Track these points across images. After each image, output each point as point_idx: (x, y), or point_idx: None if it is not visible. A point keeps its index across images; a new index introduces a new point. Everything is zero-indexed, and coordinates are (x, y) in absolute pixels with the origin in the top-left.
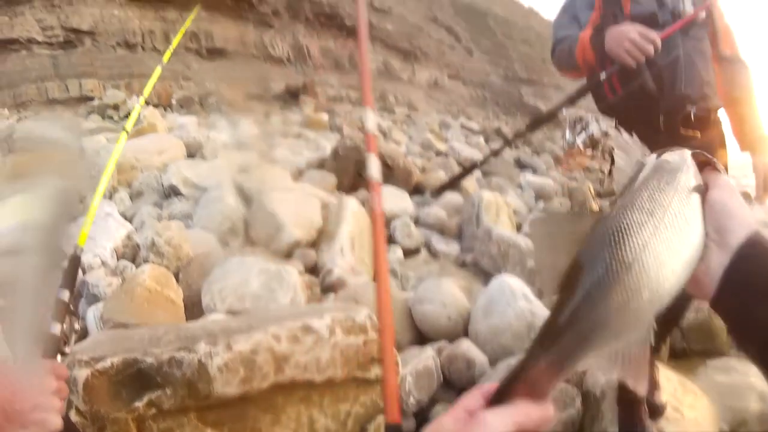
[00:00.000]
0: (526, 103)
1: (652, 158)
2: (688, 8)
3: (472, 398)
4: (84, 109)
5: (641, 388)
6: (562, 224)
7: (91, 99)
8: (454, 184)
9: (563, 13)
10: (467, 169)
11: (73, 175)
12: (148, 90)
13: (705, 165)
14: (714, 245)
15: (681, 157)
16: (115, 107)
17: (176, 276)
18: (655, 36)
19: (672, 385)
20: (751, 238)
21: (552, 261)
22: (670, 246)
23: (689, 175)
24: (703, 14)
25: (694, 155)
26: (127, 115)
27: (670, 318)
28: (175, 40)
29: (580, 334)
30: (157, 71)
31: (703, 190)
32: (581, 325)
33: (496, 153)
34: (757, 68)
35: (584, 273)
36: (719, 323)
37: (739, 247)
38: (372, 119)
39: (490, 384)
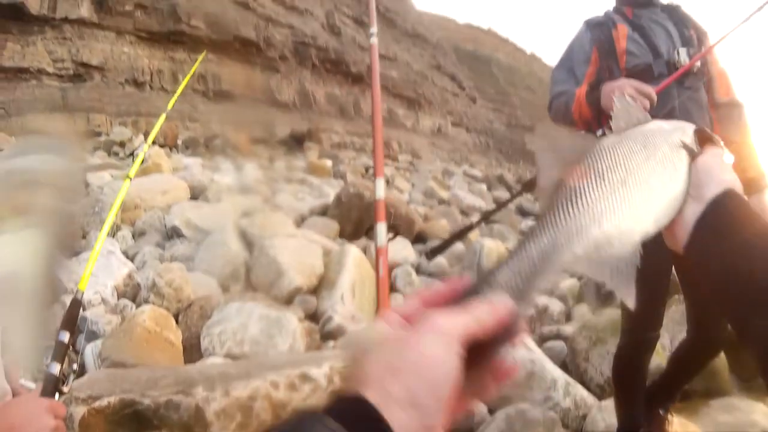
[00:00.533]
0: (529, 150)
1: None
2: (683, 58)
3: (408, 303)
4: (90, 144)
5: (630, 301)
6: (567, 140)
7: (98, 134)
8: (447, 246)
9: (560, 67)
10: (461, 232)
11: (71, 206)
12: (152, 137)
13: (706, 141)
14: (691, 200)
15: (682, 124)
16: (122, 144)
17: (176, 317)
18: (650, 90)
19: (673, 429)
20: (725, 193)
21: (552, 175)
22: (656, 178)
23: (684, 135)
24: (698, 64)
25: (696, 131)
26: (132, 153)
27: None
28: (180, 88)
29: (557, 242)
30: (162, 118)
31: (695, 154)
32: (560, 234)
33: (487, 216)
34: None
35: (572, 188)
36: (721, 362)
37: (713, 199)
38: (382, 188)
39: (431, 289)
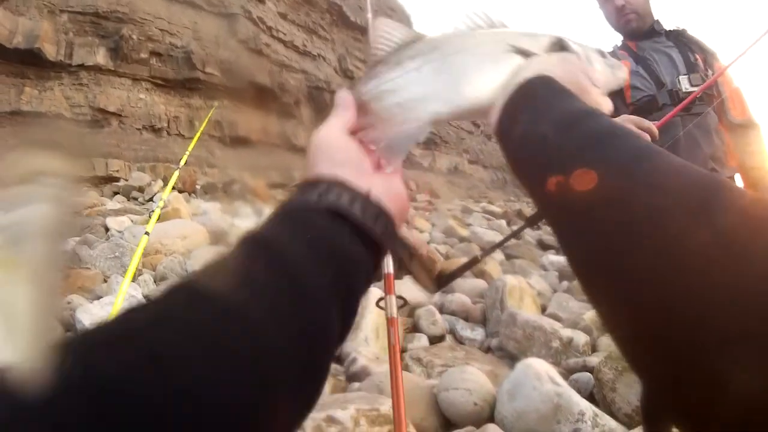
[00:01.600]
0: None
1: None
2: (685, 85)
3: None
4: (110, 189)
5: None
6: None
7: (117, 179)
8: (455, 276)
9: None
10: (469, 263)
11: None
12: (168, 190)
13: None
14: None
15: (537, 35)
16: (140, 189)
17: None
18: (650, 125)
19: None
20: (538, 76)
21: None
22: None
23: (530, 45)
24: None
25: (554, 42)
26: (151, 198)
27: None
28: (192, 142)
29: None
30: (175, 174)
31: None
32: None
33: (495, 248)
34: None
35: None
36: None
37: (530, 77)
38: (391, 264)
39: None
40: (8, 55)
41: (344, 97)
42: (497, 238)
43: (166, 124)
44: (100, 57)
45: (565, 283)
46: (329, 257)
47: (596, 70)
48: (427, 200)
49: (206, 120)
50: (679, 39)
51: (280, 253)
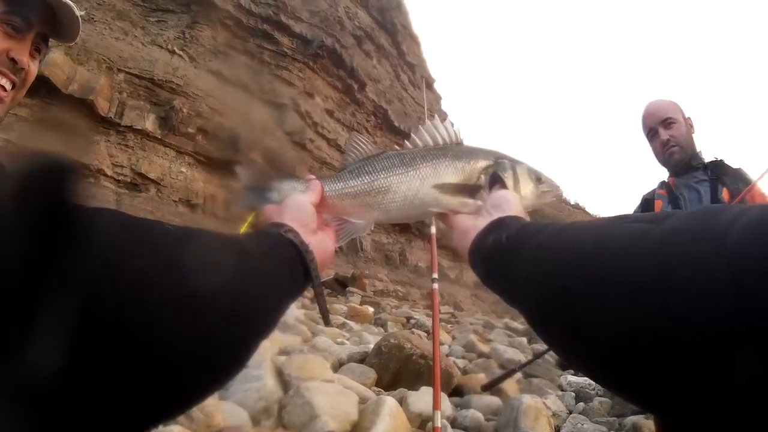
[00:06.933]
0: None
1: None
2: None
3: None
4: None
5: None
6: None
7: None
8: (495, 384)
9: None
10: (507, 374)
11: None
12: None
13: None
14: (486, 214)
15: (488, 163)
16: None
17: None
18: None
19: None
20: (511, 216)
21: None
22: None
23: (484, 170)
24: None
25: (493, 174)
26: None
27: None
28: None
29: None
30: None
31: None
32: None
33: (523, 366)
34: None
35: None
36: None
37: (500, 217)
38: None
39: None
40: (62, 99)
41: (315, 183)
42: (517, 356)
43: (202, 201)
44: (149, 123)
45: (581, 405)
46: (281, 262)
47: (522, 197)
48: (450, 312)
49: (250, 219)
50: (716, 171)
51: (254, 251)
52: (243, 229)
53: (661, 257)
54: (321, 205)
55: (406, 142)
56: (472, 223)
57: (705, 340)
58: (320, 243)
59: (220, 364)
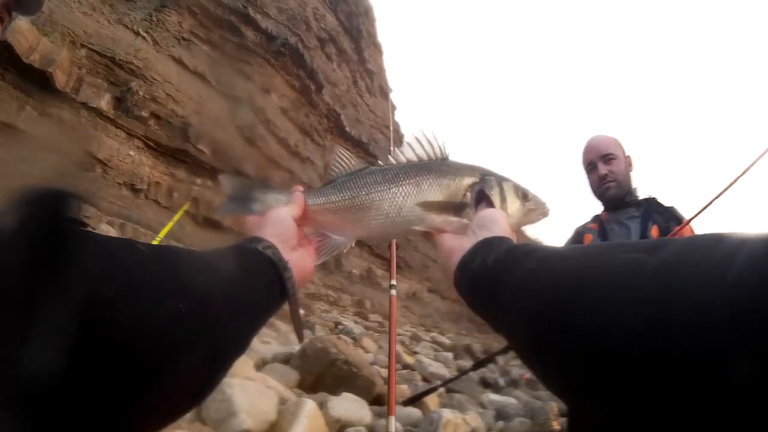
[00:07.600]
0: None
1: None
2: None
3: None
4: None
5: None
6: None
7: (84, 225)
8: (417, 399)
9: None
10: (430, 390)
11: None
12: None
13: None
14: (472, 234)
15: (475, 182)
16: None
17: None
18: None
19: None
20: (497, 237)
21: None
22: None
23: (470, 187)
24: None
25: (479, 191)
26: None
27: None
28: (170, 224)
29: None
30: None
31: (479, 202)
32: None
33: (447, 383)
34: None
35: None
36: None
37: (486, 238)
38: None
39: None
40: (21, 68)
41: (298, 196)
42: (441, 370)
43: (146, 187)
44: (104, 102)
45: (501, 423)
46: (258, 280)
47: (509, 215)
48: (379, 321)
49: (184, 208)
50: (649, 208)
51: (229, 269)
52: (177, 217)
53: (659, 293)
54: (303, 218)
55: (386, 158)
56: (457, 242)
57: (706, 384)
58: (299, 260)
59: (192, 383)
